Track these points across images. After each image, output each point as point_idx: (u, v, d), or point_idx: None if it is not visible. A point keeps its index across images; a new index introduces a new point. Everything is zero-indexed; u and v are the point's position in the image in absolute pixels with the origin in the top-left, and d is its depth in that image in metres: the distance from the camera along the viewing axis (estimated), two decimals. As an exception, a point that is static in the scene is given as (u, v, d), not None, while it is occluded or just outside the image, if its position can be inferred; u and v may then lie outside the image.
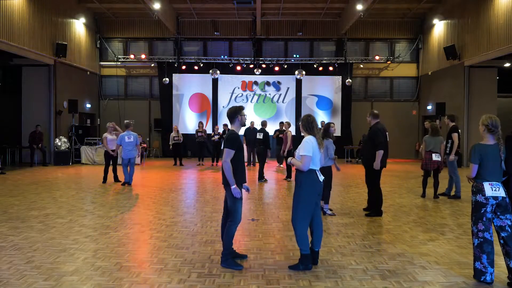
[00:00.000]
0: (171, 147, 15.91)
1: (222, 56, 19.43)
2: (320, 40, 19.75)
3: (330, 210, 7.01)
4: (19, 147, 15.86)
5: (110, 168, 10.69)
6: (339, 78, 19.24)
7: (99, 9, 18.33)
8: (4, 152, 15.25)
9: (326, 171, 6.42)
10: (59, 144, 15.38)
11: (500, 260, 4.19)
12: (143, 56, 19.03)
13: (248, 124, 13.00)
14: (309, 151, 4.19)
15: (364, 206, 7.34)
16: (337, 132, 18.54)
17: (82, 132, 17.20)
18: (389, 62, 19.43)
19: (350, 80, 18.96)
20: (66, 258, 4.52)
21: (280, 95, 19.41)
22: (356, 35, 19.32)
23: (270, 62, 19.00)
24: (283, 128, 13.63)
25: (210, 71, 18.46)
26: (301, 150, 4.25)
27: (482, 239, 3.88)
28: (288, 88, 19.37)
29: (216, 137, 15.34)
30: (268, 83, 19.39)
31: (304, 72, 18.31)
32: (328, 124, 7.04)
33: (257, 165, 12.34)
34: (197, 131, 15.70)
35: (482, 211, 3.89)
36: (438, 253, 4.82)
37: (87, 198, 8.36)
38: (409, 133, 19.10)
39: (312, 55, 19.59)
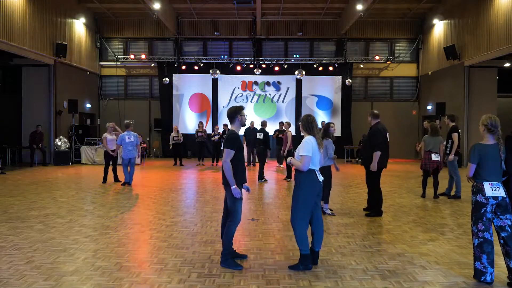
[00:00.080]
0: (171, 147, 15.91)
1: (222, 56, 19.43)
2: (320, 40, 19.75)
3: (330, 210, 7.01)
4: (19, 147, 15.87)
5: (110, 168, 10.69)
6: (339, 78, 19.24)
7: (99, 9, 18.33)
8: (4, 152, 15.25)
9: (325, 170, 6.42)
10: (59, 144, 15.38)
11: (500, 260, 4.19)
12: (143, 56, 19.03)
13: (248, 124, 13.01)
14: (309, 151, 4.19)
15: (364, 206, 7.34)
16: (337, 132, 18.55)
17: (82, 132, 17.21)
18: (389, 62, 19.44)
19: (350, 80, 18.97)
20: (66, 258, 4.52)
21: (280, 95, 19.41)
22: (356, 35, 19.33)
23: (270, 62, 19.00)
24: (283, 128, 13.64)
25: (210, 71, 18.47)
26: (300, 150, 4.25)
27: (482, 239, 3.88)
28: (288, 88, 19.37)
29: (216, 137, 15.34)
30: (268, 83, 19.39)
31: (304, 72, 18.31)
32: (328, 124, 7.05)
33: (257, 165, 12.34)
34: (197, 131, 15.71)
35: (482, 211, 3.89)
36: (438, 253, 4.82)
37: (87, 198, 8.36)
38: (409, 133, 19.11)
39: (312, 55, 19.59)
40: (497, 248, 4.02)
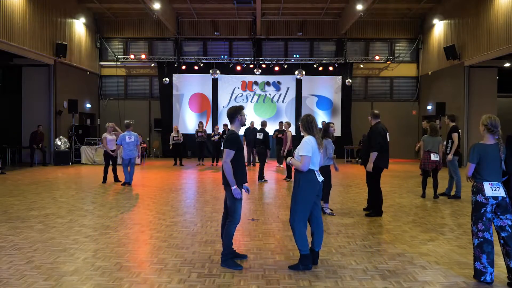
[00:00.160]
0: (171, 147, 15.92)
1: (222, 56, 19.43)
2: (320, 40, 19.75)
3: (330, 210, 7.01)
4: (19, 147, 15.87)
5: (110, 168, 10.69)
6: (339, 78, 19.25)
7: (99, 9, 18.33)
8: (4, 152, 15.25)
9: (325, 170, 6.42)
10: (59, 144, 15.38)
11: (500, 260, 4.19)
12: (143, 56, 19.03)
13: (248, 124, 13.01)
14: (309, 151, 4.19)
15: (364, 206, 7.34)
16: (337, 132, 18.56)
17: (82, 132, 17.21)
18: (389, 62, 19.43)
19: (350, 80, 18.97)
20: (66, 258, 4.52)
21: (280, 95, 19.42)
22: (356, 35, 19.33)
23: (270, 62, 19.00)
24: (283, 128, 13.64)
25: (210, 71, 18.47)
26: (300, 151, 4.24)
27: (482, 239, 3.88)
28: (288, 88, 19.37)
29: (216, 137, 15.35)
30: (268, 83, 19.39)
31: (304, 72, 18.31)
32: (328, 124, 7.05)
33: (257, 165, 12.34)
34: (197, 131, 15.71)
35: (482, 211, 3.89)
36: (438, 253, 4.82)
37: (87, 198, 8.36)
38: (409, 133, 19.10)
39: (312, 55, 19.59)
40: (497, 248, 4.02)
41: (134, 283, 3.83)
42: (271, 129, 14.94)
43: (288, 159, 4.49)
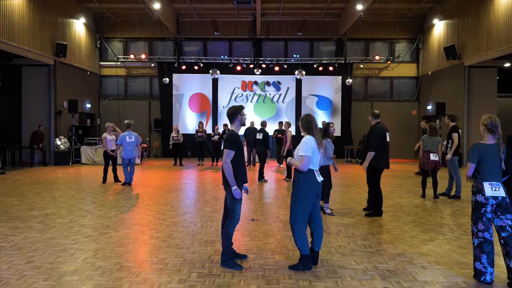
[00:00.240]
0: (171, 147, 15.92)
1: (222, 56, 19.43)
2: (320, 40, 19.74)
3: (330, 210, 7.01)
4: (19, 147, 15.87)
5: (110, 168, 10.69)
6: (339, 78, 19.25)
7: (99, 9, 18.33)
8: (4, 152, 15.25)
9: (324, 170, 6.42)
10: (59, 144, 15.38)
11: (500, 260, 4.19)
12: (143, 56, 19.02)
13: (248, 124, 13.01)
14: (308, 151, 4.18)
15: (364, 206, 7.34)
16: (337, 132, 18.57)
17: (82, 132, 17.21)
18: (389, 62, 19.43)
19: (350, 80, 18.97)
20: (66, 258, 4.52)
21: (280, 95, 19.41)
22: (356, 35, 19.32)
23: (270, 62, 19.00)
24: (282, 127, 13.63)
25: (210, 71, 18.46)
26: (300, 151, 4.24)
27: (482, 239, 3.88)
28: (288, 88, 19.37)
29: (216, 137, 15.35)
30: (268, 83, 19.39)
31: (304, 72, 18.31)
32: (328, 124, 7.06)
33: (257, 165, 12.34)
34: (197, 131, 15.71)
35: (482, 211, 3.89)
36: (438, 253, 4.82)
37: (87, 198, 8.36)
38: (409, 133, 19.09)
39: (312, 55, 19.59)
40: (497, 248, 4.02)
41: (134, 283, 3.83)
42: (271, 129, 14.93)
43: (288, 159, 4.48)
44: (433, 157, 8.20)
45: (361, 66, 19.47)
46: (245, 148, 12.55)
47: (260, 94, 19.38)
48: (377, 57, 18.98)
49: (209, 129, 18.14)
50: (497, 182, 3.90)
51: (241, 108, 4.39)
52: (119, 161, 11.68)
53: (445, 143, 8.75)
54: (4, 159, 14.73)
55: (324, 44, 19.87)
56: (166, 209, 7.30)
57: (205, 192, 9.34)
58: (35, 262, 4.38)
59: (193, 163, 16.39)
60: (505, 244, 3.84)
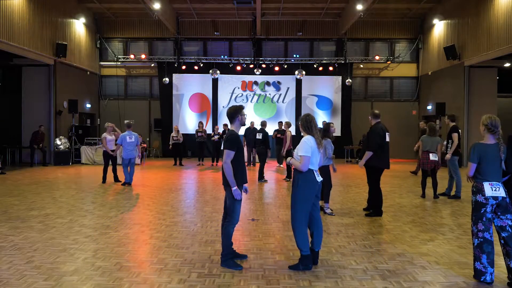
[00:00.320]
0: (171, 147, 15.92)
1: (222, 56, 19.43)
2: (320, 40, 19.74)
3: (330, 209, 7.01)
4: (19, 147, 15.87)
5: (110, 168, 10.69)
6: (339, 78, 19.25)
7: (99, 9, 18.33)
8: (4, 152, 15.25)
9: (324, 170, 6.42)
10: (59, 144, 15.38)
11: (500, 260, 4.19)
12: (143, 56, 19.02)
13: (248, 124, 13.01)
14: (308, 151, 4.18)
15: (364, 206, 7.34)
16: (337, 132, 18.57)
17: (82, 132, 17.21)
18: (389, 62, 19.43)
19: (350, 80, 18.97)
20: (66, 258, 4.52)
21: (280, 95, 19.41)
22: (356, 35, 19.32)
23: (270, 62, 19.00)
24: (282, 127, 13.63)
25: (210, 71, 18.46)
26: (299, 151, 4.23)
27: (482, 239, 3.88)
28: (288, 88, 19.37)
29: (216, 137, 15.35)
30: (268, 83, 19.39)
31: (304, 72, 18.31)
32: (328, 124, 7.07)
33: (257, 165, 12.34)
34: (197, 131, 15.71)
35: (482, 211, 3.89)
36: (438, 253, 4.82)
37: (87, 198, 8.36)
38: (409, 133, 19.08)
39: (312, 55, 19.59)
40: (497, 248, 4.02)
41: (134, 283, 3.83)
42: (271, 129, 14.94)
43: (288, 159, 4.48)
44: (432, 157, 8.20)
45: (361, 66, 19.47)
46: (245, 148, 12.56)
47: (260, 94, 19.38)
48: (377, 57, 18.98)
49: (209, 129, 18.14)
50: (497, 182, 3.90)
51: (241, 108, 4.38)
52: (119, 161, 11.67)
53: (445, 143, 8.75)
54: (4, 159, 14.73)
55: (324, 44, 19.87)
56: (166, 209, 7.30)
57: (205, 192, 9.34)
58: (35, 262, 4.38)
59: (193, 163, 16.39)
60: (505, 244, 3.84)
